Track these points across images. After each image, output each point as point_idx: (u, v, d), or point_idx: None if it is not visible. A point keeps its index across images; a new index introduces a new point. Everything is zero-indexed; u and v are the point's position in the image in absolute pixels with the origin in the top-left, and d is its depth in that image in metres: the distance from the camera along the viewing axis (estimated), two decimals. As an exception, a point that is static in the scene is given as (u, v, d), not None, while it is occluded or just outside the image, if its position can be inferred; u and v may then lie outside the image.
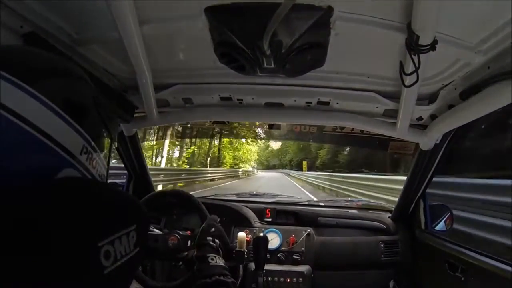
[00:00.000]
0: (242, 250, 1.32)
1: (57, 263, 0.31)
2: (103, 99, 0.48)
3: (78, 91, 0.44)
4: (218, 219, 1.15)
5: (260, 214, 1.64)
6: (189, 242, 1.21)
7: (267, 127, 1.56)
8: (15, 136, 0.33)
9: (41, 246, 0.30)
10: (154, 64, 0.99)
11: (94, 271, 0.34)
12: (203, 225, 1.09)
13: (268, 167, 45.85)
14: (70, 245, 0.32)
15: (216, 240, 1.04)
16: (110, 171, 0.52)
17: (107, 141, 0.50)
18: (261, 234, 1.45)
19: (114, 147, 1.42)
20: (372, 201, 2.01)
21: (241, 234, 1.38)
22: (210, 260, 0.91)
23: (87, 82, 0.46)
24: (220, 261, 0.93)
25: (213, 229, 1.06)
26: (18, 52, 0.41)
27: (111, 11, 0.74)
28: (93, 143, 0.44)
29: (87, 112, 0.44)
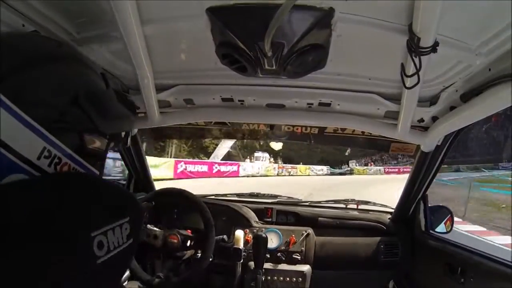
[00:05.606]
0: (240, 247, 1.33)
1: (50, 251, 0.31)
2: (94, 94, 0.44)
3: (49, 86, 0.39)
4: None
5: (261, 214, 1.64)
6: (189, 241, 1.22)
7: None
8: None
9: (34, 235, 0.30)
10: (156, 65, 0.99)
11: (87, 260, 0.34)
12: None
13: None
14: (62, 234, 0.32)
15: None
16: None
17: (97, 142, 0.48)
18: (261, 234, 1.45)
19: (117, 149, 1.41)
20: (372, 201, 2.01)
21: (239, 232, 1.39)
22: None
23: (70, 76, 0.42)
24: None
25: None
26: None
27: (113, 11, 0.74)
28: (62, 146, 0.40)
29: (59, 110, 0.40)
